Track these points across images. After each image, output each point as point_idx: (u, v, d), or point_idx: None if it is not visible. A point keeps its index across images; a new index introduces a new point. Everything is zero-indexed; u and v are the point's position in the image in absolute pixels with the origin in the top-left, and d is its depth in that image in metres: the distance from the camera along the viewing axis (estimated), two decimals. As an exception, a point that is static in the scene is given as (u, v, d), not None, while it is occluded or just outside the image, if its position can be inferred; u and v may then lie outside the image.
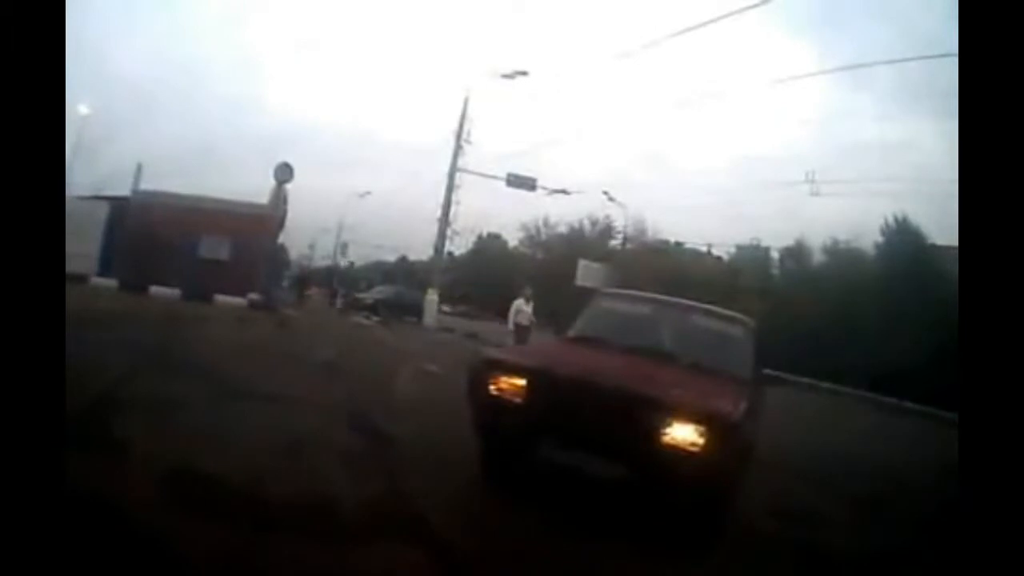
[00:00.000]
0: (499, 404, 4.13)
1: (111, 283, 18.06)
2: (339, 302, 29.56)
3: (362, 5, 76.20)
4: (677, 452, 3.72)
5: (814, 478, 6.81)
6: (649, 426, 3.76)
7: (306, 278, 29.10)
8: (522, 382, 4.09)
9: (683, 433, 3.73)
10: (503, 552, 3.47)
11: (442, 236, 28.49)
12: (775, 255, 39.83)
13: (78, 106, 26.80)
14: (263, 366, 8.38)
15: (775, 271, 39.88)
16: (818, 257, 37.25)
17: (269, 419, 5.45)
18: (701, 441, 3.70)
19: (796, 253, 38.50)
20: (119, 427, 4.25)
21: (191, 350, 8.63)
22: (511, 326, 12.68)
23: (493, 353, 4.88)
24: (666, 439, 3.75)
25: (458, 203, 28.36)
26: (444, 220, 28.12)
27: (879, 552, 4.78)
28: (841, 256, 35.10)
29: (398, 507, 3.77)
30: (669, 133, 76.05)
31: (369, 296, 30.35)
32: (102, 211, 21.19)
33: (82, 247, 17.25)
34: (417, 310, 26.61)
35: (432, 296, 27.03)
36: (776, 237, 40.76)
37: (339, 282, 33.15)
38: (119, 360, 6.52)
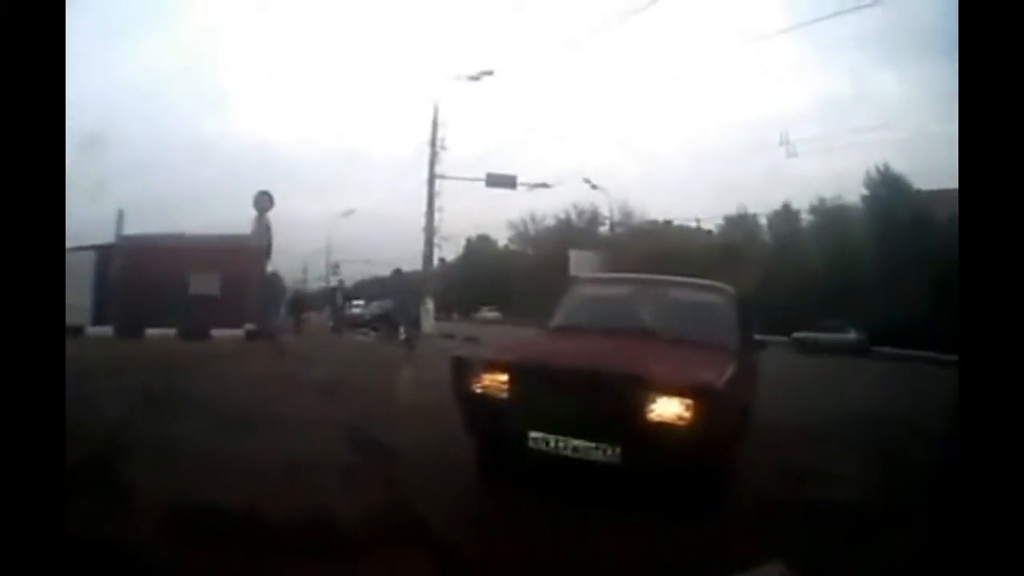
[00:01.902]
0: (485, 402, 4.17)
1: (107, 331, 18.05)
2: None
3: (315, 28, 75.69)
4: (666, 427, 3.74)
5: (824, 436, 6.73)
6: (634, 405, 3.79)
7: (301, 301, 28.87)
8: (504, 377, 4.14)
9: (669, 407, 3.76)
10: (506, 552, 3.45)
11: (429, 244, 28.65)
12: (763, 221, 39.92)
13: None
14: (263, 393, 8.41)
15: (766, 238, 39.88)
16: (806, 218, 37.34)
17: (269, 444, 5.46)
18: (687, 414, 3.72)
19: (784, 217, 38.52)
20: (122, 470, 4.27)
21: (192, 387, 8.64)
22: None
23: (474, 352, 4.91)
24: (653, 416, 3.77)
25: (441, 210, 28.60)
26: (429, 228, 28.31)
27: (891, 505, 4.59)
28: (829, 214, 35.14)
29: (400, 515, 3.80)
30: (642, 114, 75.89)
31: (367, 312, 30.34)
32: (89, 261, 21.17)
33: (74, 298, 17.19)
34: (415, 320, 26.62)
35: (428, 305, 27.10)
36: (763, 203, 40.72)
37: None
38: (121, 405, 6.59)
